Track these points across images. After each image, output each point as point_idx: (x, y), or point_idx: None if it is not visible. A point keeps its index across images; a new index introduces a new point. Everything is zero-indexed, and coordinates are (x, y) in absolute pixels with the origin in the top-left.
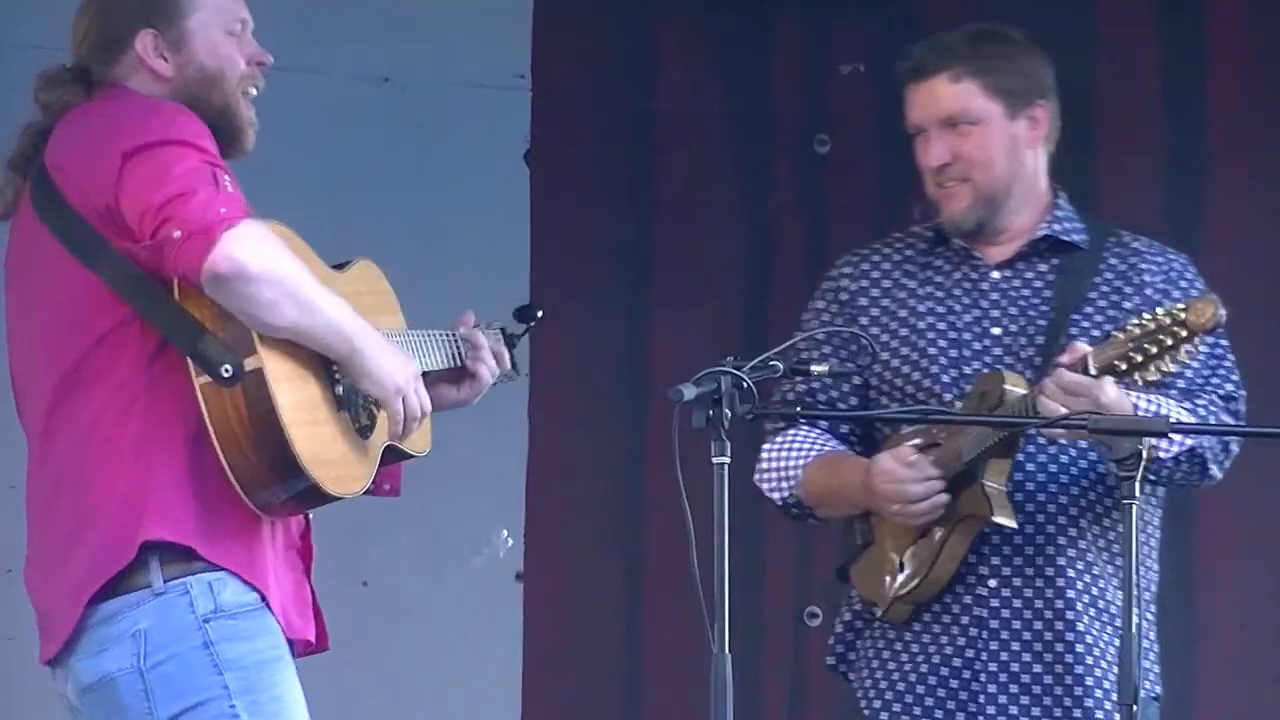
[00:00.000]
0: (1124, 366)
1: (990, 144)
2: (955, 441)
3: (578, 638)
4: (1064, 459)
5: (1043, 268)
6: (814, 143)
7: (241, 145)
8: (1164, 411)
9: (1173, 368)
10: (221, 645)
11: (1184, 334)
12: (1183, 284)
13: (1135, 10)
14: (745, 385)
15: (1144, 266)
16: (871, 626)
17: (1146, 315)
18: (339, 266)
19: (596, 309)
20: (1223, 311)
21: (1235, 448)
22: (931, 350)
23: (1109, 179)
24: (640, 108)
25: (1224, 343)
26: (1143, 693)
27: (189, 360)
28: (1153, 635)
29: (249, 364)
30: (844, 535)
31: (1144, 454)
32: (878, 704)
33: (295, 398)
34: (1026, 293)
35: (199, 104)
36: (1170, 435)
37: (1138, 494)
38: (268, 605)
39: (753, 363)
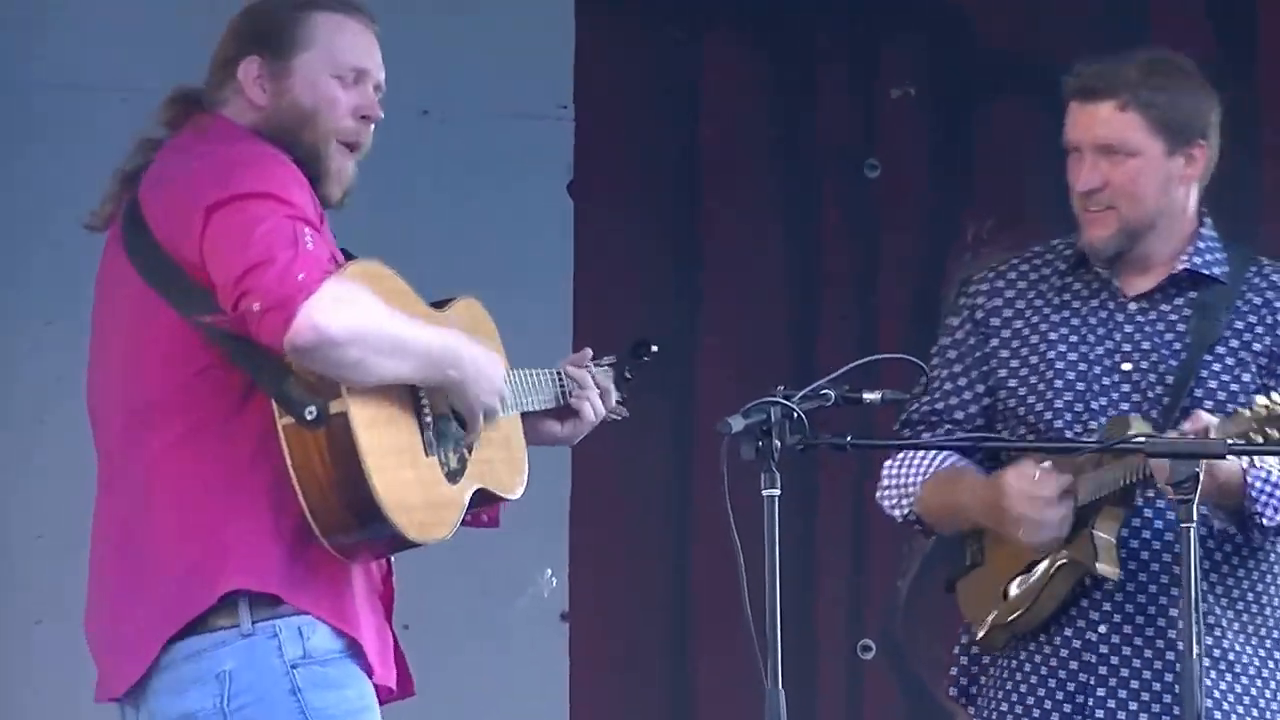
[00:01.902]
0: (1244, 443)
1: (1143, 178)
2: (1074, 484)
3: (625, 677)
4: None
5: (1179, 301)
6: (864, 167)
7: (323, 192)
8: (1274, 478)
9: None
10: (309, 693)
11: None
12: None
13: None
14: (795, 415)
15: (1279, 303)
16: (986, 663)
17: (1275, 396)
18: (441, 304)
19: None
20: None
21: None
22: (1058, 383)
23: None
24: (685, 135)
25: None
26: None
27: (273, 401)
28: (1274, 685)
29: (334, 407)
30: (953, 550)
31: (1200, 476)
32: None
33: (381, 442)
34: (1161, 327)
35: (288, 139)
36: (1275, 501)
37: (1194, 517)
38: (359, 650)
39: (803, 392)
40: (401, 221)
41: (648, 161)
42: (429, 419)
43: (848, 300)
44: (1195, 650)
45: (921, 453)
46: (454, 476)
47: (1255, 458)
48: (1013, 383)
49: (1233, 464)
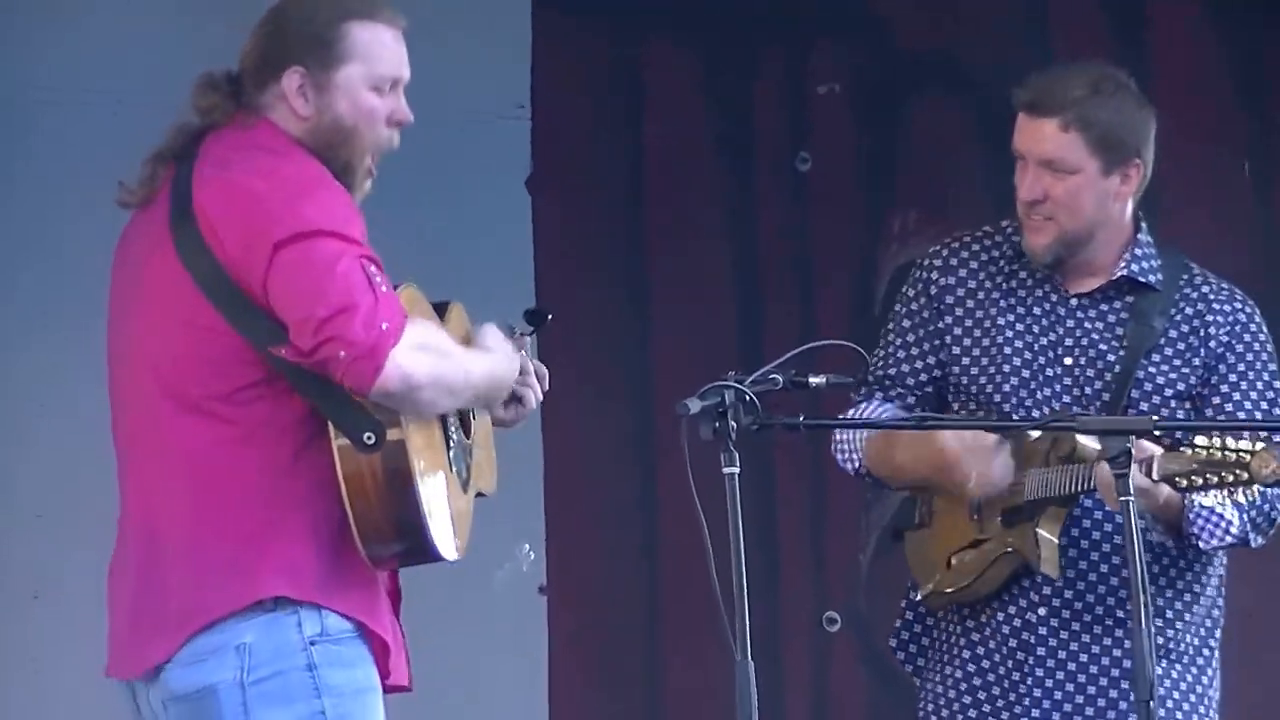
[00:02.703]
0: (1184, 484)
1: (1082, 194)
2: (1023, 476)
3: (600, 648)
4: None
5: (1118, 305)
6: (796, 161)
7: (355, 193)
8: (1218, 512)
9: (1229, 504)
10: (325, 670)
11: (1245, 477)
12: (1246, 336)
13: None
14: (748, 398)
15: (1210, 318)
16: (930, 626)
17: (1217, 441)
18: (438, 309)
19: (600, 328)
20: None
21: (1257, 539)
22: (1006, 367)
23: None
24: (632, 132)
25: (1276, 386)
26: (1207, 709)
27: (330, 423)
28: (1210, 671)
29: (391, 435)
30: (904, 504)
31: (1132, 451)
32: (931, 705)
33: (427, 465)
34: (1100, 326)
35: (328, 151)
36: (1213, 530)
37: (1131, 492)
38: (370, 638)
39: (753, 376)
40: (371, 217)
41: (599, 158)
42: (452, 434)
43: (788, 286)
44: (1144, 626)
45: (874, 408)
46: (464, 486)
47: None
48: (965, 360)
49: (1174, 502)
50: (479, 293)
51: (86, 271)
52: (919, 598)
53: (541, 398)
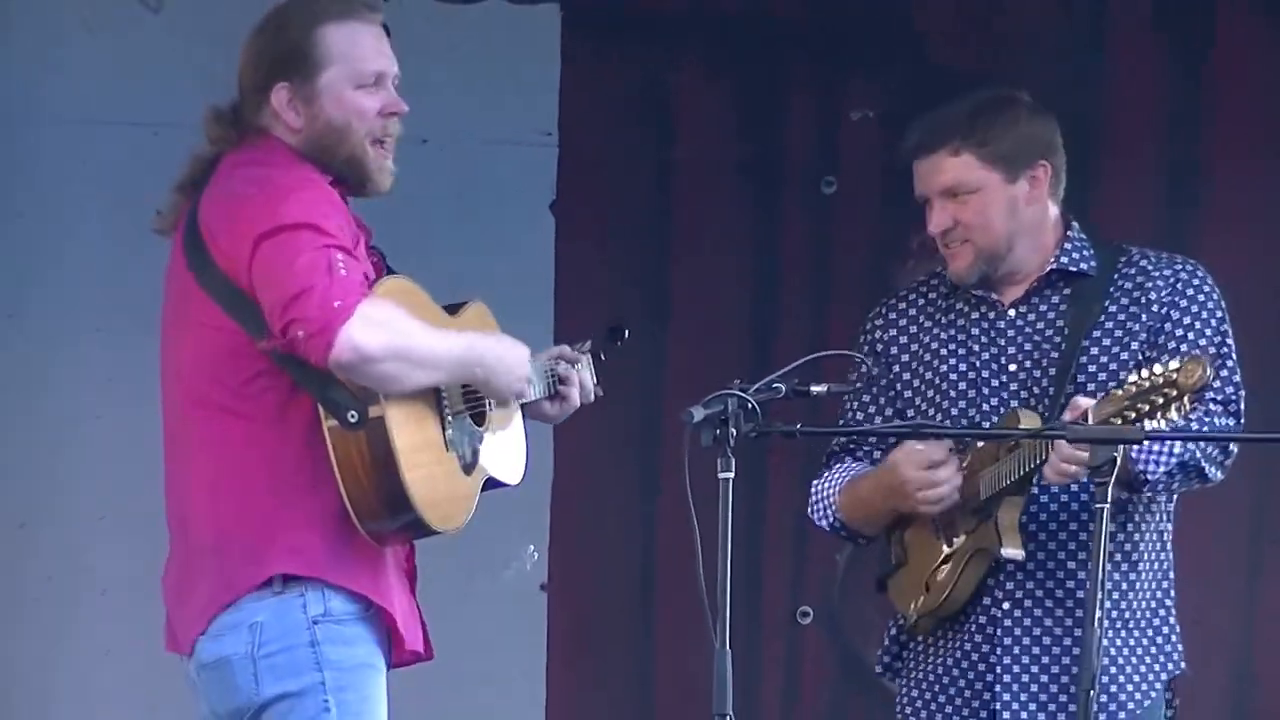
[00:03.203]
0: (1119, 422)
1: (989, 208)
2: (975, 480)
3: (595, 640)
4: (1073, 489)
5: (1055, 299)
6: (822, 184)
7: (373, 187)
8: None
9: (1164, 424)
10: (325, 646)
11: (1174, 394)
12: (1189, 291)
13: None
14: (750, 406)
15: (1150, 285)
16: (906, 643)
17: (1144, 372)
18: (454, 309)
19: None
20: (1210, 371)
21: (1234, 448)
22: (952, 393)
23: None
24: (659, 158)
25: (1229, 343)
26: (1165, 673)
27: (319, 405)
28: (1172, 619)
29: (373, 412)
30: (881, 552)
31: (1117, 460)
32: (909, 709)
33: (411, 441)
34: (1041, 325)
35: (326, 154)
36: (1154, 456)
37: (1109, 499)
38: (381, 618)
39: (757, 385)
40: (408, 237)
41: (624, 182)
42: (449, 417)
43: (805, 303)
44: (1097, 615)
45: (839, 468)
46: (469, 469)
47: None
48: (916, 400)
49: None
50: (500, 310)
51: (133, 284)
52: (910, 625)
53: (589, 400)
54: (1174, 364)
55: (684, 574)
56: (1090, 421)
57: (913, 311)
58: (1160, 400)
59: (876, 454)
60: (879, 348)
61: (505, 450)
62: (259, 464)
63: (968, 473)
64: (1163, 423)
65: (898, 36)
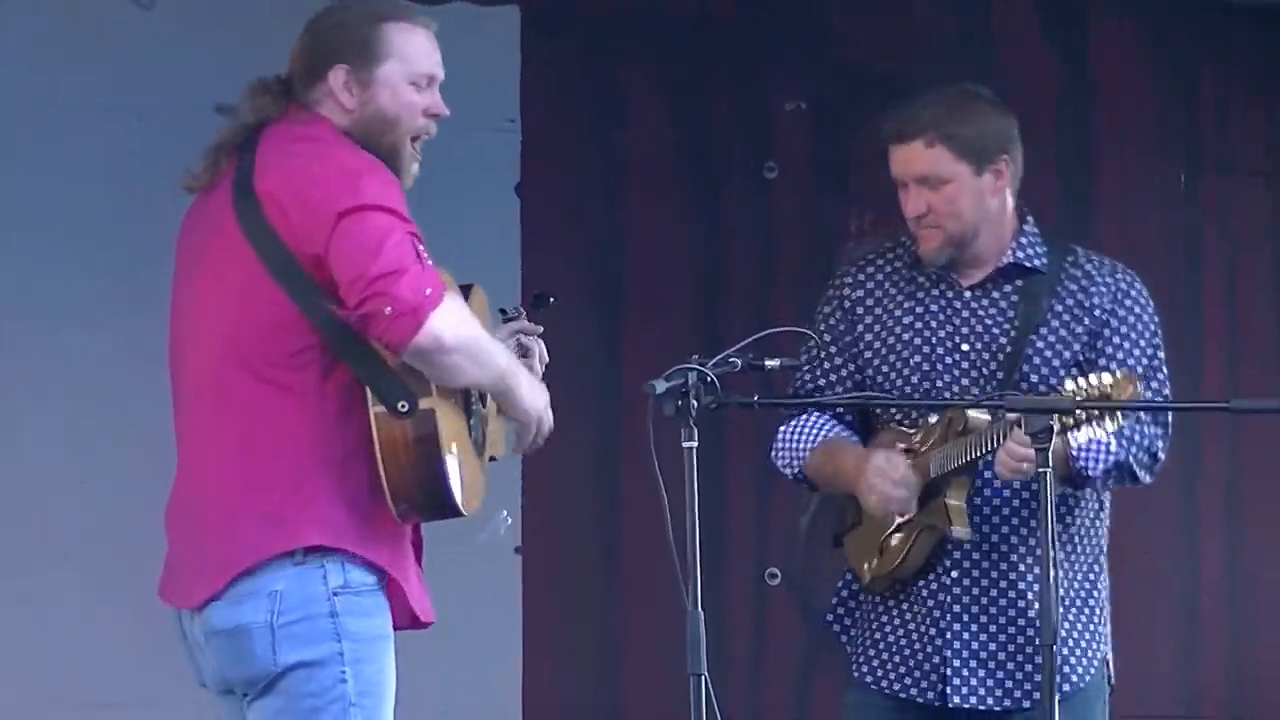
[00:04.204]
0: (1057, 428)
1: (959, 198)
2: (926, 458)
3: (568, 601)
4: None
5: (1008, 289)
6: (763, 170)
7: (401, 181)
8: (1095, 438)
9: (1099, 433)
10: (345, 618)
11: (1110, 406)
12: (1127, 302)
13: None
14: (709, 379)
15: (1093, 290)
16: (861, 601)
17: (1081, 381)
18: (463, 290)
19: (578, 316)
20: (1140, 388)
21: (1162, 455)
22: (910, 364)
23: None
24: (609, 143)
25: (1161, 356)
26: (1100, 651)
27: (369, 390)
28: (1104, 600)
29: (424, 403)
30: (839, 510)
31: (1054, 429)
32: (865, 667)
33: (452, 430)
34: (993, 312)
35: (371, 140)
36: (1093, 455)
37: (1050, 465)
38: (393, 589)
39: (715, 359)
40: None
41: (580, 166)
42: (474, 405)
43: (749, 280)
44: (1051, 574)
45: (811, 421)
46: (479, 450)
47: (1070, 430)
48: (876, 362)
49: (1060, 446)
50: (473, 281)
51: (142, 266)
52: (865, 583)
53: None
54: (1108, 379)
55: (651, 537)
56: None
57: (879, 277)
58: (1097, 412)
59: (839, 408)
60: (846, 304)
61: (498, 428)
62: (293, 436)
63: (921, 449)
64: (1099, 431)
65: (819, 38)
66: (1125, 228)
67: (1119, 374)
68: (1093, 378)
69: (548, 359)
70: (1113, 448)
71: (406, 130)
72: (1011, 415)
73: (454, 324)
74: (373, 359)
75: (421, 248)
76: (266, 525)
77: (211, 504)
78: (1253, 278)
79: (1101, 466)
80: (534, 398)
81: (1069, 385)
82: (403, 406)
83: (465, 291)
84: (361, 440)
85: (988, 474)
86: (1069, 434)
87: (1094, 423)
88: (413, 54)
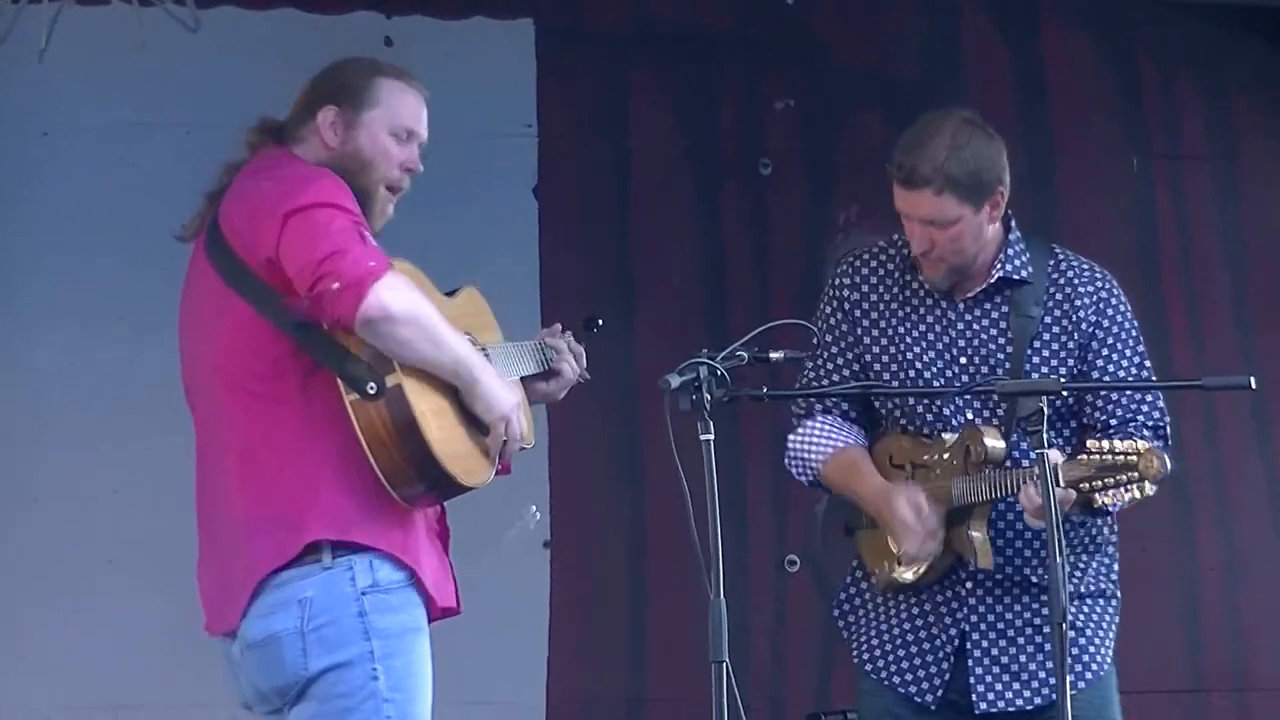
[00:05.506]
0: (1087, 488)
1: (963, 236)
2: (945, 481)
3: (595, 592)
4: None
5: (998, 299)
6: (759, 165)
7: (370, 224)
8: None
9: (1126, 498)
10: (373, 616)
11: (1137, 476)
12: (1110, 311)
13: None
14: (719, 373)
15: (1077, 299)
16: (867, 596)
17: (1107, 445)
18: (449, 293)
19: (592, 310)
20: (1168, 463)
21: (1169, 468)
22: (913, 370)
23: None
24: (618, 146)
25: (1148, 364)
26: (1095, 664)
27: (339, 380)
28: (1111, 606)
29: (389, 381)
30: (852, 505)
31: (1045, 411)
32: (866, 654)
33: (430, 405)
34: (985, 323)
35: (347, 179)
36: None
37: (1045, 444)
38: (417, 581)
39: (723, 354)
40: (403, 222)
41: (591, 168)
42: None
43: (749, 272)
44: (1059, 560)
45: (820, 431)
46: (485, 430)
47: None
48: (878, 367)
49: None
50: (492, 283)
51: (157, 281)
52: (878, 585)
53: (578, 374)
54: (1129, 447)
55: (674, 527)
56: (1061, 480)
57: (874, 279)
58: (1125, 479)
59: (845, 405)
60: (846, 305)
61: (524, 416)
62: (287, 441)
63: (937, 470)
64: (1126, 496)
65: (804, 42)
66: (1085, 212)
67: (1146, 450)
68: (1117, 442)
69: (588, 376)
70: (1135, 491)
71: (379, 177)
72: (1052, 459)
73: (399, 295)
74: (337, 349)
75: (366, 234)
76: (276, 531)
77: (228, 526)
78: (1205, 255)
79: (1122, 505)
80: (499, 395)
81: (1091, 444)
82: (371, 389)
83: (451, 294)
84: (352, 433)
85: (1014, 506)
86: (1097, 495)
87: (1120, 489)
88: (399, 108)
